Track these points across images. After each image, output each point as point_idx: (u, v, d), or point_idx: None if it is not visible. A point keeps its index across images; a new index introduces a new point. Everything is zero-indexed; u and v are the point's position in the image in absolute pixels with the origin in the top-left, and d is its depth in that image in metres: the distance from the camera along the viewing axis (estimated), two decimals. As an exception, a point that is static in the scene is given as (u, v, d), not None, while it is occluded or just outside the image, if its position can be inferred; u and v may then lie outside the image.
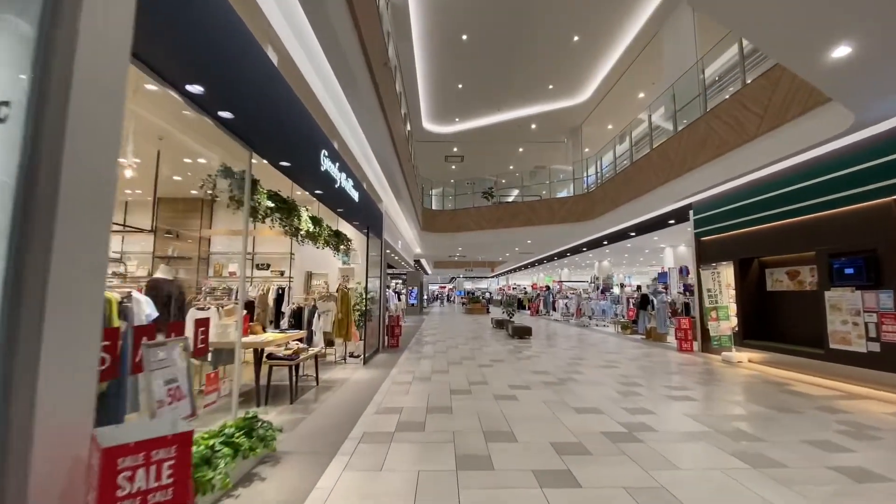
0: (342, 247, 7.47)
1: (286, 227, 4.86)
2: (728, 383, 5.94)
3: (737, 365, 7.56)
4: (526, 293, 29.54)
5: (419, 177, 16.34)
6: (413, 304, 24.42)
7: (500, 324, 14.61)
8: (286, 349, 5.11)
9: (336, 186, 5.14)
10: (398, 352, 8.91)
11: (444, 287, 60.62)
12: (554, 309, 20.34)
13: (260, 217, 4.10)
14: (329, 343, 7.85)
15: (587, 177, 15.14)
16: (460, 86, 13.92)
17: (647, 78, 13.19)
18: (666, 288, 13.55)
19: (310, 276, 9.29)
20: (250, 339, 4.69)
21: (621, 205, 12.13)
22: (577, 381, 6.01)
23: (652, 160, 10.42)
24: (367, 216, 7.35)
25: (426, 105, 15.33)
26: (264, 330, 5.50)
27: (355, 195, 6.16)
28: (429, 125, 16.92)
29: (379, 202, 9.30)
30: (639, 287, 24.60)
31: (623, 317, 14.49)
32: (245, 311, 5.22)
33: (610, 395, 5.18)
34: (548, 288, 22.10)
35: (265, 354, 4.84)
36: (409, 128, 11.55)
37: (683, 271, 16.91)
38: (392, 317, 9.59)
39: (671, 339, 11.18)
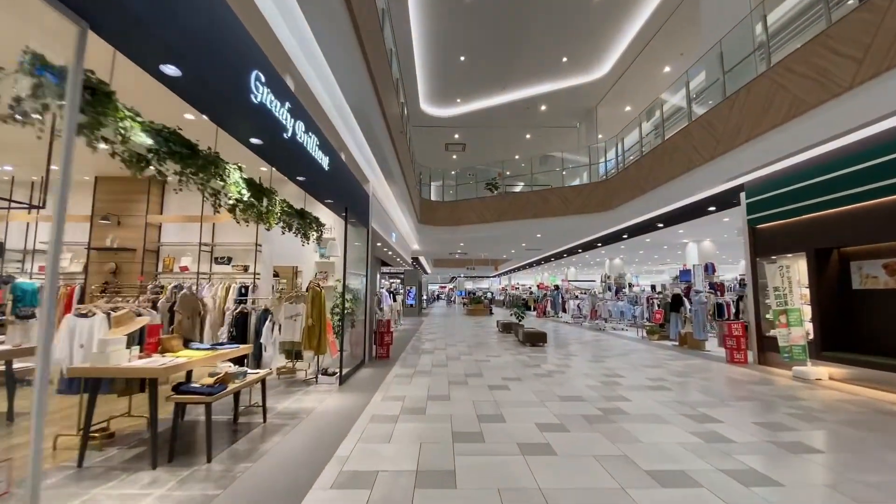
0: (313, 233, 5.83)
1: (203, 189, 3.22)
2: (838, 415, 4.28)
3: (816, 384, 5.91)
4: (531, 293, 27.88)
5: (416, 163, 14.70)
6: (411, 305, 22.79)
7: (506, 328, 12.97)
8: (216, 373, 3.47)
9: (285, 136, 3.50)
10: (388, 365, 7.26)
11: (445, 287, 58.98)
12: (564, 310, 18.69)
13: (132, 162, 2.44)
14: (297, 356, 6.21)
15: (605, 162, 13.50)
16: (462, 58, 12.29)
17: (675, 48, 11.56)
18: (720, 288, 11.85)
19: (295, 272, 7.65)
20: (139, 363, 3.04)
21: (648, 191, 10.48)
22: (626, 413, 4.36)
23: (690, 135, 8.77)
24: (345, 194, 5.70)
25: (424, 82, 13.69)
26: (186, 346, 3.86)
27: (322, 160, 4.53)
28: (427, 107, 15.29)
29: (365, 182, 7.65)
30: (653, 287, 22.97)
31: (647, 320, 12.84)
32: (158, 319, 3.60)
33: (686, 439, 3.54)
34: (556, 287, 20.50)
35: (174, 386, 3.20)
36: (402, 98, 9.91)
37: (709, 269, 15.30)
38: (382, 321, 7.94)
39: (710, 347, 9.55)
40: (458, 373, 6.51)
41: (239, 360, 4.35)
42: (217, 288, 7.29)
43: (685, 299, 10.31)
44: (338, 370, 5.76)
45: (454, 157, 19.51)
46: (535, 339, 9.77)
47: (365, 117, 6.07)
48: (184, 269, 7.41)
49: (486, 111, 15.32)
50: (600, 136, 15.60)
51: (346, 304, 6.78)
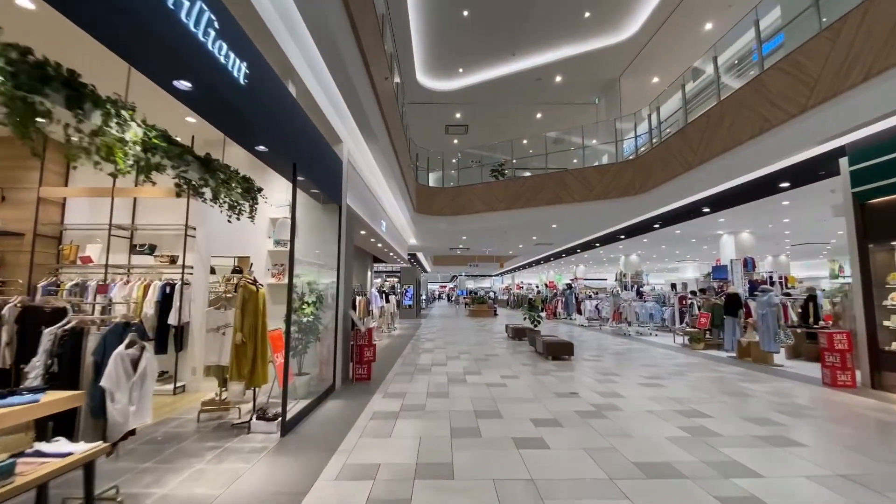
0: (241, 201, 3.83)
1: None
2: None
3: None
4: (538, 293, 25.86)
5: (412, 142, 12.70)
6: (409, 306, 20.80)
7: (518, 334, 10.97)
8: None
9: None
10: (366, 393, 5.26)
11: (445, 286, 57.03)
12: (579, 312, 16.69)
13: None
14: (223, 382, 4.21)
15: (636, 138, 11.48)
16: (466, 13, 10.28)
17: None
18: (773, 283, 9.83)
19: (253, 264, 5.65)
20: None
21: (695, 166, 8.48)
22: (780, 514, 2.37)
23: (765, 87, 6.76)
24: (290, 140, 3.70)
25: (421, 45, 11.68)
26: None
27: (235, 65, 2.55)
28: (425, 79, 13.27)
29: (336, 143, 5.65)
30: (674, 286, 20.98)
31: (686, 324, 10.83)
32: None
33: None
34: (569, 286, 18.51)
35: None
36: (390, 45, 7.87)
37: (748, 264, 13.29)
38: (361, 332, 5.94)
39: (781, 360, 7.56)
40: (465, 408, 4.51)
41: (66, 420, 2.36)
42: (132, 287, 5.32)
43: (747, 300, 8.31)
44: (286, 409, 3.75)
45: (455, 141, 17.50)
46: (560, 352, 7.76)
47: (329, 39, 4.06)
48: (85, 260, 5.41)
49: (492, 85, 13.32)
50: (625, 112, 13.58)
51: (305, 309, 4.77)
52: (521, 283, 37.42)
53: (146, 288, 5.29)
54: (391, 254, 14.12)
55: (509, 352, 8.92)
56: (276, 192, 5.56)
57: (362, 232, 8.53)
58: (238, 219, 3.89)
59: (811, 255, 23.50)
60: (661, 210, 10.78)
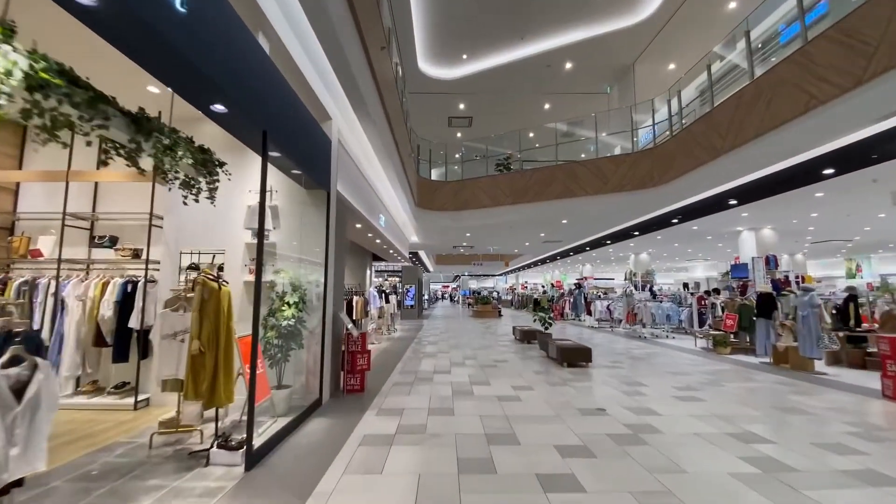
0: (203, 179, 3.11)
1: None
2: None
3: None
4: (544, 292, 25.10)
5: (413, 132, 11.98)
6: (410, 306, 20.07)
7: (527, 336, 10.21)
8: None
9: None
10: (357, 409, 4.53)
11: (447, 287, 56.35)
12: (588, 313, 15.91)
13: None
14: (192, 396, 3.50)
15: (654, 125, 10.71)
16: (470, -9, 9.54)
17: (749, -29, 8.76)
18: (786, 284, 9.07)
19: (217, 259, 4.95)
20: None
21: (724, 153, 7.70)
22: None
23: (812, 59, 5.99)
24: (254, 101, 2.98)
25: (423, 28, 10.95)
26: None
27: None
28: (427, 66, 12.55)
29: (325, 120, 4.92)
30: (686, 285, 20.21)
31: (709, 326, 10.06)
32: None
33: None
34: (578, 286, 17.74)
35: None
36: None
37: (771, 262, 12.49)
38: (353, 338, 5.21)
39: (821, 367, 6.81)
40: (474, 430, 3.77)
41: None
42: (88, 285, 4.62)
43: (781, 301, 7.55)
44: (252, 437, 3.03)
45: (458, 134, 16.76)
46: (576, 358, 7.01)
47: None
48: (35, 254, 4.70)
49: (498, 72, 12.57)
50: (639, 101, 12.79)
51: (285, 311, 4.06)
52: (526, 282, 36.62)
53: (104, 286, 4.58)
54: (392, 252, 13.41)
55: (518, 357, 8.17)
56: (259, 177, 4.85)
57: (358, 226, 7.82)
58: (196, 200, 3.17)
59: (828, 254, 22.65)
60: (681, 203, 10.02)
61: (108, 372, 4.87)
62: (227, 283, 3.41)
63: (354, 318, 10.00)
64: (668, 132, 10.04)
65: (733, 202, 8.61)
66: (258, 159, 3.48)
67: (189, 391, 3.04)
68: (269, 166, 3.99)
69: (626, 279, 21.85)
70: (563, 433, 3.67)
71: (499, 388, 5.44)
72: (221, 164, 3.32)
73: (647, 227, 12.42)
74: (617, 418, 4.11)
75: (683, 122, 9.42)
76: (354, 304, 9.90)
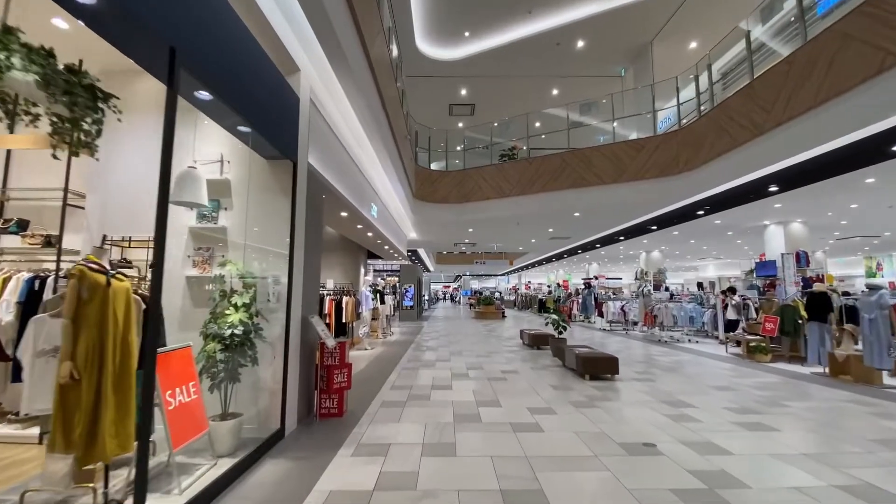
0: (83, 120, 2.05)
1: None
2: None
3: None
4: (549, 293, 24.05)
5: (410, 117, 10.97)
6: (409, 307, 19.03)
7: (537, 341, 9.15)
8: None
9: None
10: (329, 445, 3.47)
11: (449, 287, 55.35)
12: (600, 314, 14.83)
13: None
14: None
15: (679, 105, 9.64)
16: (473, -46, 8.49)
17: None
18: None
19: (106, 248, 3.89)
20: None
21: (767, 132, 6.66)
22: None
23: (882, 11, 4.94)
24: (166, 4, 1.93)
25: (421, 4, 9.91)
26: None
27: None
28: (426, 46, 11.50)
29: (291, 72, 3.87)
30: (701, 285, 19.19)
31: (743, 330, 9.00)
32: None
33: None
34: (588, 286, 16.67)
35: None
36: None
37: (801, 259, 11.43)
38: (328, 348, 4.16)
39: (890, 380, 5.74)
40: (485, 482, 2.71)
41: None
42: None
43: (843, 303, 6.47)
44: (181, 489, 1.98)
45: (460, 124, 15.71)
46: (601, 369, 5.94)
47: None
48: (-87, 242, 3.66)
49: (503, 52, 11.52)
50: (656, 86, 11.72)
51: (230, 316, 3.02)
52: (529, 282, 35.58)
53: (4, 282, 3.54)
54: (388, 249, 12.38)
55: (530, 366, 7.12)
56: (208, 143, 3.82)
57: (344, 214, 6.78)
58: (76, 154, 2.13)
59: (849, 252, 21.56)
60: (710, 192, 8.94)
61: (16, 393, 3.84)
62: (124, 276, 2.36)
63: (344, 320, 8.97)
64: (694, 112, 8.98)
65: (773, 189, 7.55)
66: (213, 125, 2.45)
67: (55, 439, 2.00)
68: (214, 126, 2.95)
69: (636, 278, 20.82)
70: (610, 488, 2.61)
71: (512, 410, 4.39)
72: (106, 98, 2.27)
73: (665, 221, 11.36)
74: (675, 460, 3.05)
75: (715, 99, 8.36)
76: (344, 305, 8.87)
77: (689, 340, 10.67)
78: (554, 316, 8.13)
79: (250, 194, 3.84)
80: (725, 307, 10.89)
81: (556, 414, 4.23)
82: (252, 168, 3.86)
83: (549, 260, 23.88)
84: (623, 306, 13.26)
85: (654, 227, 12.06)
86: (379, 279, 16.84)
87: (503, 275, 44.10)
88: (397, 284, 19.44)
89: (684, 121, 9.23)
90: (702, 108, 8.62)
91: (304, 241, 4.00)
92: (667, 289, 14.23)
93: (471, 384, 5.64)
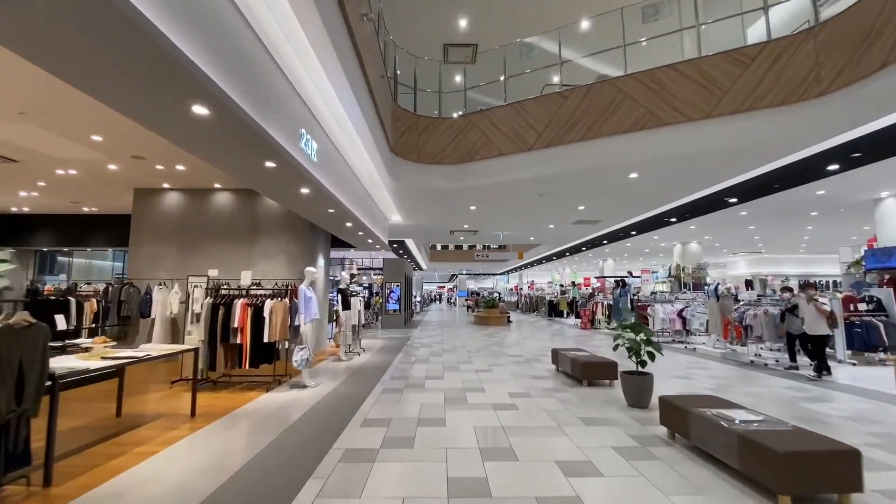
0: None
1: None
2: None
3: None
4: (563, 293, 20.52)
5: (384, 29, 7.40)
6: (394, 311, 15.39)
7: (589, 372, 5.53)
8: None
9: None
10: None
11: (443, 287, 51.76)
12: (644, 321, 11.26)
13: None
14: None
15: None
16: None
17: None
18: None
19: None
20: None
21: None
22: None
23: None
24: None
25: None
26: None
27: None
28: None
29: None
30: (750, 283, 15.76)
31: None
32: None
33: None
34: (623, 283, 13.16)
35: None
36: None
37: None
38: None
39: None
40: None
41: None
42: None
43: None
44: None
45: (458, 78, 12.07)
46: (823, 475, 2.37)
47: None
48: None
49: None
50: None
51: None
52: (533, 282, 32.10)
53: None
54: (358, 231, 8.77)
55: (595, 432, 3.57)
56: None
57: (202, 111, 3.09)
58: None
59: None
60: (870, 127, 5.48)
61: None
62: None
63: (268, 339, 5.37)
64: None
65: None
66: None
67: None
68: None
69: (670, 275, 17.36)
70: None
71: None
72: None
73: (754, 189, 7.87)
74: None
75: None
76: (268, 313, 5.30)
77: (781, 363, 7.11)
78: (631, 334, 4.55)
79: None
80: (854, 313, 7.44)
81: None
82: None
83: (561, 255, 20.37)
84: (682, 311, 9.71)
85: (735, 200, 8.57)
86: (343, 274, 13.14)
87: (501, 274, 40.58)
88: (384, 284, 15.82)
89: (828, 10, 5.70)
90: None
91: None
92: (722, 288, 10.70)
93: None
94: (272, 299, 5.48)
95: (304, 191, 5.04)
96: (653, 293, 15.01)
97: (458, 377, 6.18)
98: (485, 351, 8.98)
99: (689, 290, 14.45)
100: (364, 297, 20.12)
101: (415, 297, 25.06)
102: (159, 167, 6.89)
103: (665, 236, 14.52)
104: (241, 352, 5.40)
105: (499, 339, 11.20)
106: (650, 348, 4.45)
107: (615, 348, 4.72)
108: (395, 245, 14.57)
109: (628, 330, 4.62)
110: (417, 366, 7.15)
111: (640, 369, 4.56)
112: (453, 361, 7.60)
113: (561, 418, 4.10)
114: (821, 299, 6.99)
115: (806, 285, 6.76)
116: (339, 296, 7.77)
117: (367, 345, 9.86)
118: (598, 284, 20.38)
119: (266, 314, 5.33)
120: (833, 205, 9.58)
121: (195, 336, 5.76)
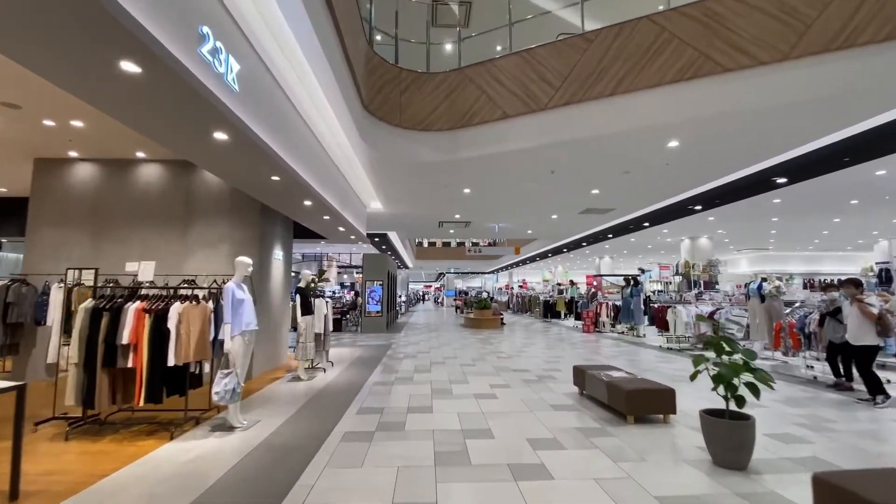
0: None
1: None
2: None
3: None
4: (560, 293, 19.08)
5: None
6: (376, 313, 13.65)
7: (638, 403, 3.92)
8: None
9: None
10: None
11: (430, 286, 50.09)
12: (660, 325, 9.83)
13: None
14: None
15: None
16: None
17: None
18: None
19: None
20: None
21: None
22: None
23: None
24: None
25: None
26: None
27: None
28: None
29: None
30: (765, 282, 14.34)
31: None
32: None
33: None
34: (634, 282, 11.70)
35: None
36: None
37: None
38: None
39: None
40: None
41: None
42: None
43: None
44: None
45: (448, 46, 10.42)
46: None
47: None
48: None
49: None
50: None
51: None
52: (525, 280, 30.67)
53: None
54: (326, 216, 7.07)
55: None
56: None
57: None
58: None
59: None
60: None
61: None
62: None
63: (176, 361, 3.65)
64: None
65: None
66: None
67: None
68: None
69: (676, 273, 16.04)
70: None
71: None
72: None
73: (815, 164, 6.44)
74: None
75: None
76: (175, 324, 3.57)
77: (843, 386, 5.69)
78: (727, 369, 2.95)
79: None
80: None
81: None
82: None
83: (557, 251, 18.93)
84: (715, 313, 8.25)
85: (785, 180, 7.14)
86: (304, 271, 11.40)
87: (490, 273, 39.09)
88: (364, 282, 14.08)
89: None
90: None
91: None
92: (768, 286, 9.32)
93: None
94: (183, 302, 3.75)
95: (219, 135, 3.30)
96: (653, 292, 13.66)
97: (453, 407, 4.56)
98: (482, 363, 7.38)
99: (701, 288, 13.18)
100: (349, 299, 18.34)
101: (400, 296, 23.36)
102: (48, 123, 5.07)
103: (675, 230, 13.16)
104: (136, 379, 3.67)
105: (495, 347, 9.60)
106: (751, 377, 2.88)
107: (693, 377, 3.13)
108: (376, 239, 12.86)
109: (724, 354, 3.03)
110: (398, 388, 5.49)
111: (731, 407, 2.99)
112: (444, 380, 5.97)
113: (624, 497, 2.51)
114: (870, 299, 5.55)
115: (847, 282, 5.29)
116: (298, 297, 6.05)
117: (338, 355, 8.14)
118: (596, 283, 19.00)
119: (171, 325, 3.60)
120: (879, 191, 8.26)
121: (75, 353, 3.99)
